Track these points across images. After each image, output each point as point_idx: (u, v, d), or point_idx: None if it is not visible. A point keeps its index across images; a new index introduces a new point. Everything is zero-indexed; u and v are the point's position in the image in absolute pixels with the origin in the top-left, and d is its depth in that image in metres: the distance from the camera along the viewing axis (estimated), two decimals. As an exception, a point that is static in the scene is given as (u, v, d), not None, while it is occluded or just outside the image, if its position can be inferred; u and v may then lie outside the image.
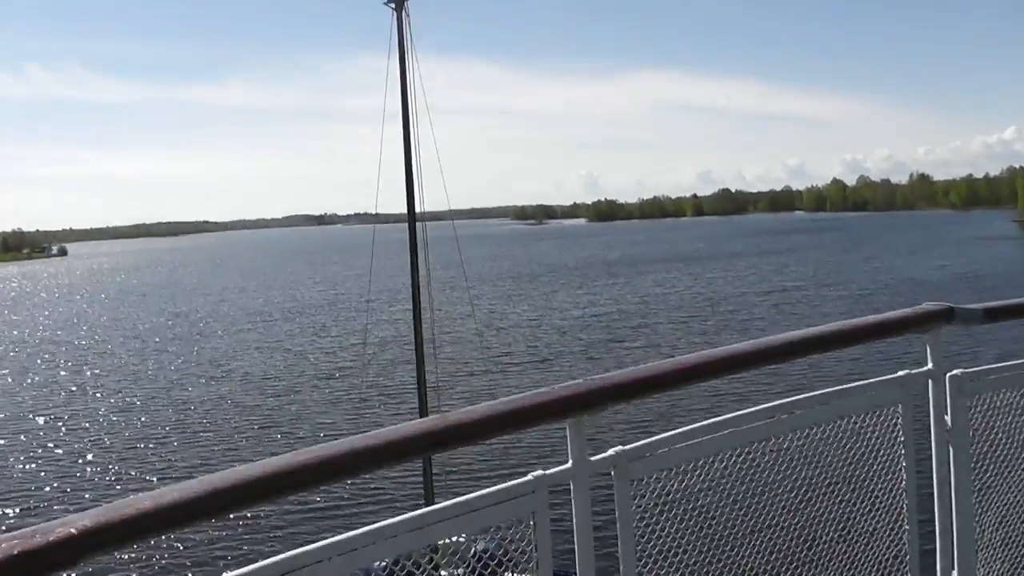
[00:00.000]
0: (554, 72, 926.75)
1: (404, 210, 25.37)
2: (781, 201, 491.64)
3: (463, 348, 61.24)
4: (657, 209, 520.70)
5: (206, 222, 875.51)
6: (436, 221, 29.89)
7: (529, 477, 3.24)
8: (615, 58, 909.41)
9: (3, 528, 25.80)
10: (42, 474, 39.41)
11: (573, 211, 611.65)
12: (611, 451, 3.45)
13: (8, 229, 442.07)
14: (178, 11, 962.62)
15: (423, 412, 22.77)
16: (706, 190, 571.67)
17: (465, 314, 79.78)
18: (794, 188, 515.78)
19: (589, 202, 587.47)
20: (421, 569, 3.02)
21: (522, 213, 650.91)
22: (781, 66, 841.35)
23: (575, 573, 3.42)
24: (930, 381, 4.62)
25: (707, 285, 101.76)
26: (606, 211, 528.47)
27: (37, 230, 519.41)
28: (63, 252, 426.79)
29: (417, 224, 23.91)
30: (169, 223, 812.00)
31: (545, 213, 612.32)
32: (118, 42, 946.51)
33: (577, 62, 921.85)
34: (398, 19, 22.81)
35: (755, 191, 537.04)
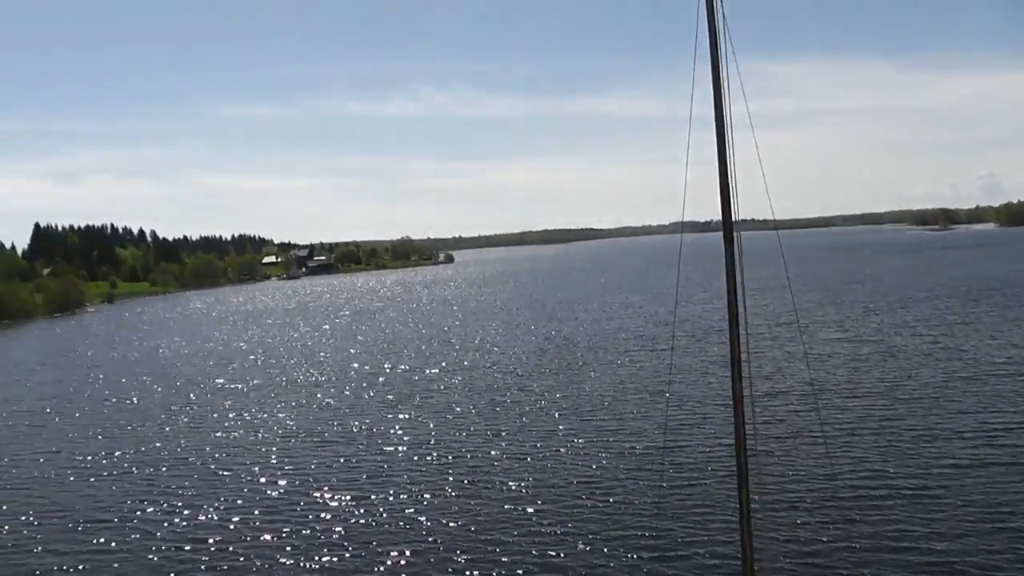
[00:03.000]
0: (946, 67, 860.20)
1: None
2: None
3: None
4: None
5: (591, 230, 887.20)
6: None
7: None
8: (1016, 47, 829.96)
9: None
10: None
11: (978, 215, 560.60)
12: None
13: (396, 237, 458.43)
14: (561, 26, 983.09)
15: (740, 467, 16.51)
16: None
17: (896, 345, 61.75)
18: None
19: (995, 205, 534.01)
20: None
21: (920, 218, 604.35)
22: None
23: None
24: None
25: None
26: (1021, 214, 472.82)
27: (428, 238, 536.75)
28: (450, 259, 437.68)
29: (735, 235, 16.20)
30: (555, 231, 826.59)
31: (947, 217, 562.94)
32: (503, 60, 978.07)
33: (971, 54, 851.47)
34: (707, 2, 15.24)
35: None
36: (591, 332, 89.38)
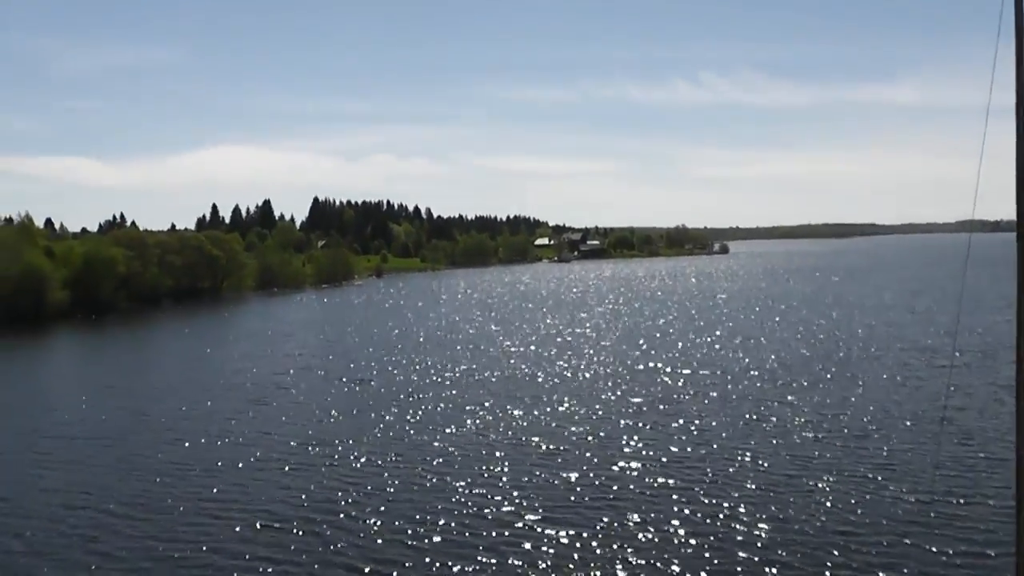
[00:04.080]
0: None
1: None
2: None
3: None
4: None
5: (873, 225, 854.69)
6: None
7: None
8: None
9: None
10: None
11: None
12: None
13: (671, 226, 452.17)
14: (847, 10, 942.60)
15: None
16: None
17: None
18: None
19: None
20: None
21: None
22: None
23: None
24: None
25: None
26: None
27: (705, 227, 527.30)
28: (724, 250, 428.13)
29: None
30: (835, 224, 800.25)
31: None
32: (788, 46, 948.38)
33: None
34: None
35: None
36: (864, 338, 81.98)
